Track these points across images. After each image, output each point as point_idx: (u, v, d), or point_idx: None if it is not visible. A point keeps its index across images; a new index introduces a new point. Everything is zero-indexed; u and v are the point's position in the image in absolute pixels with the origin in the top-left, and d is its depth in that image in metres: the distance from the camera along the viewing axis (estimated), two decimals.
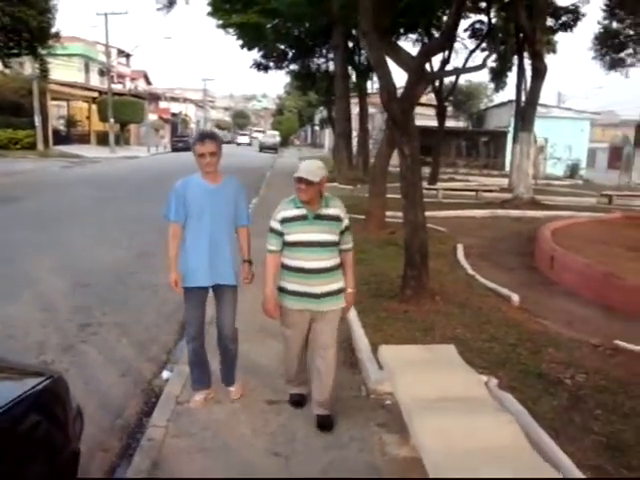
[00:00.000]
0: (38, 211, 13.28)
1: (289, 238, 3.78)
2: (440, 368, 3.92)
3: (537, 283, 8.12)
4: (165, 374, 5.00)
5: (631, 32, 26.88)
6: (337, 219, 3.82)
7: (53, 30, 24.13)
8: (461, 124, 48.16)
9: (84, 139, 45.28)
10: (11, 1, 20.73)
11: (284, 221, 3.78)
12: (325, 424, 4.00)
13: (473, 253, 9.90)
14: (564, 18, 21.59)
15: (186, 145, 52.74)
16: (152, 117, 58.31)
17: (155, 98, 64.83)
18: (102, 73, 53.38)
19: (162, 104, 68.01)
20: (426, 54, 6.87)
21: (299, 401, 4.26)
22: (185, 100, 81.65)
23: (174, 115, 70.20)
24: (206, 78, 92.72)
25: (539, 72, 16.35)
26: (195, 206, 4.00)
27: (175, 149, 51.25)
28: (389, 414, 4.16)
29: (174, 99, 76.88)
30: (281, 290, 3.91)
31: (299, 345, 4.04)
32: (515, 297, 6.90)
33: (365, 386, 4.62)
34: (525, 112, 17.81)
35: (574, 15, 21.52)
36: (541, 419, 3.87)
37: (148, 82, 72.65)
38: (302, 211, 3.75)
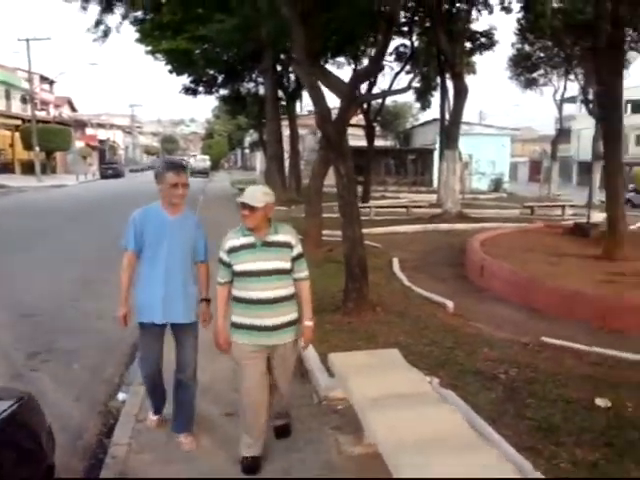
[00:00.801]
0: None
1: (237, 268, 3.61)
2: (387, 370, 4.24)
3: (469, 291, 8.63)
4: (121, 396, 5.10)
5: (541, 54, 28.68)
6: (287, 246, 3.65)
7: None
8: (389, 143, 49.43)
9: (8, 168, 43.85)
10: None
11: (231, 251, 3.62)
12: (284, 431, 4.07)
13: (408, 266, 10.36)
14: (482, 40, 22.77)
15: (115, 172, 52.18)
16: (79, 144, 57.25)
17: (81, 125, 63.63)
18: (24, 100, 52.00)
19: (89, 131, 66.77)
20: (356, 80, 7.26)
21: (253, 467, 3.70)
22: (112, 126, 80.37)
23: (101, 142, 69.08)
24: (133, 104, 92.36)
25: (460, 92, 17.25)
26: (153, 237, 3.83)
27: (104, 176, 50.48)
28: (342, 418, 4.40)
29: (101, 125, 75.54)
30: (233, 325, 3.69)
31: (259, 385, 3.67)
32: (450, 304, 7.37)
33: (317, 394, 4.85)
34: (449, 131, 18.70)
35: (489, 39, 22.76)
36: (480, 410, 4.22)
37: (73, 109, 71.03)
38: (250, 239, 3.60)
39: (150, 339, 3.92)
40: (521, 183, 55.56)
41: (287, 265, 3.64)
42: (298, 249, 3.72)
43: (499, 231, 13.33)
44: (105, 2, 14.40)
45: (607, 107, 9.84)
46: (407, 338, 5.97)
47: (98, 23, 15.28)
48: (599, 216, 18.17)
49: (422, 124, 47.06)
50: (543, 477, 3.37)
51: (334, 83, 8.34)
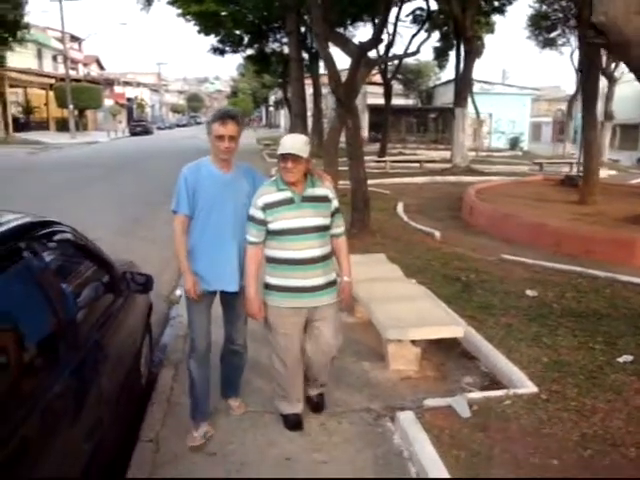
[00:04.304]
0: (28, 191, 14.74)
1: (274, 226, 3.32)
2: (372, 264, 5.97)
3: (459, 227, 10.27)
4: (178, 291, 6.86)
5: (559, 15, 29.38)
6: (326, 199, 3.42)
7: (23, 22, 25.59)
8: (411, 102, 50.10)
9: (43, 126, 45.85)
10: None
11: (267, 207, 3.31)
12: (320, 405, 3.90)
13: (411, 209, 11.98)
14: (496, 3, 23.71)
15: (144, 129, 54.07)
16: (108, 102, 58.88)
17: (110, 83, 65.17)
18: (55, 59, 53.75)
19: (117, 89, 68.30)
20: (362, 49, 8.79)
21: (297, 422, 3.69)
22: (139, 84, 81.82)
23: (129, 100, 70.73)
24: (160, 62, 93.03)
25: (470, 54, 18.50)
26: (207, 198, 3.41)
27: (134, 133, 52.47)
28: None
29: (128, 84, 77.01)
30: (267, 287, 3.45)
31: (295, 350, 3.51)
32: (437, 233, 9.04)
33: None
34: (459, 89, 20.01)
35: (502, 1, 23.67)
36: (441, 296, 5.85)
37: (101, 67, 72.64)
38: (287, 194, 3.32)
39: (200, 310, 3.54)
40: (545, 143, 55.99)
41: (327, 221, 3.42)
42: (335, 203, 3.50)
43: (498, 182, 14.84)
44: None
45: (586, 69, 11.20)
46: (397, 254, 7.59)
47: None
48: (602, 173, 19.46)
49: (444, 83, 47.40)
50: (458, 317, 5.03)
51: (350, 49, 9.83)
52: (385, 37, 21.57)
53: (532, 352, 4.64)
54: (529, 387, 3.97)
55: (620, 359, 4.46)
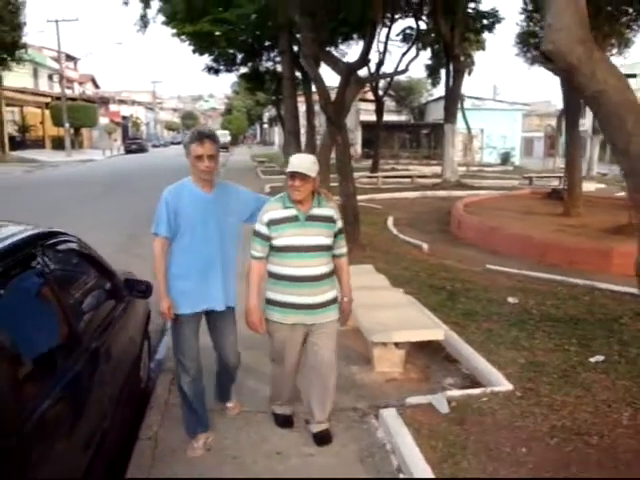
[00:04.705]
0: (27, 208, 14.98)
1: (278, 242, 3.39)
2: (359, 274, 6.21)
3: (447, 240, 10.58)
4: None
5: None
6: (330, 220, 3.47)
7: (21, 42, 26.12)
8: (404, 118, 50.67)
9: (38, 144, 46.09)
10: None
11: (272, 223, 3.38)
12: (326, 438, 3.75)
13: (401, 223, 12.31)
14: (485, 21, 24.19)
15: (139, 147, 54.49)
16: (104, 120, 59.35)
17: (105, 102, 65.61)
18: (51, 78, 54.24)
19: (112, 107, 68.77)
20: (350, 70, 9.13)
21: (287, 421, 3.90)
22: (134, 103, 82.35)
23: (124, 118, 71.19)
24: (155, 80, 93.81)
25: (458, 72, 18.94)
26: (189, 219, 3.42)
27: (129, 151, 52.86)
28: None
29: (123, 102, 77.48)
30: (269, 302, 3.53)
31: (293, 363, 3.65)
32: (425, 245, 9.34)
33: None
34: (448, 106, 20.44)
35: (494, 18, 24.16)
36: (428, 306, 6.12)
37: (96, 86, 73.21)
38: (292, 212, 3.38)
39: (189, 332, 3.55)
40: (537, 157, 56.55)
41: (329, 241, 3.46)
42: (339, 224, 3.55)
43: (486, 196, 15.19)
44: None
45: (567, 89, 11.58)
46: (386, 265, 7.88)
47: (142, 17, 17.41)
48: (590, 186, 19.80)
49: (436, 99, 47.88)
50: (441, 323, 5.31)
51: (340, 67, 10.17)
52: (376, 55, 22.10)
53: (510, 354, 4.90)
54: (505, 385, 4.23)
55: (592, 359, 4.73)
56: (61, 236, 3.18)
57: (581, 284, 7.06)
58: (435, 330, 4.77)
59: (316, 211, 3.43)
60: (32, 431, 2.20)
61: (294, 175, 3.28)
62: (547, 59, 2.67)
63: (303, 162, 3.32)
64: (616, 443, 3.39)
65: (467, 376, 4.74)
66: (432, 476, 3.13)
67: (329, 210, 3.49)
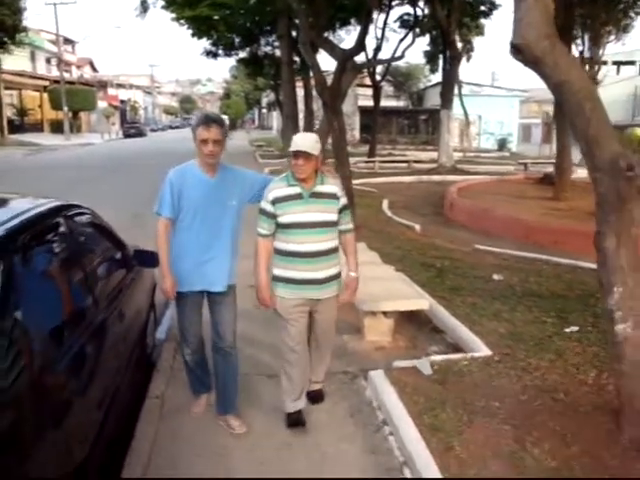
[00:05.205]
0: (34, 189, 15.27)
1: (283, 219, 3.47)
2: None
3: (439, 222, 10.95)
4: None
5: None
6: (334, 197, 3.55)
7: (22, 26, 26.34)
8: (402, 103, 50.79)
9: (37, 128, 46.21)
10: None
11: (276, 201, 3.47)
12: (318, 396, 4.06)
13: (396, 206, 12.64)
14: (482, 7, 24.40)
15: (137, 131, 54.61)
16: (102, 104, 59.33)
17: (103, 85, 65.50)
18: (49, 61, 54.26)
19: (110, 91, 68.69)
20: (346, 56, 9.41)
21: (299, 420, 3.79)
22: (132, 87, 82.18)
23: (123, 102, 71.15)
24: (153, 64, 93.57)
25: (454, 59, 19.20)
26: (191, 201, 3.49)
27: (127, 135, 52.99)
28: None
29: (121, 86, 77.32)
30: (275, 279, 3.61)
31: (302, 337, 3.69)
32: (417, 226, 9.70)
33: None
34: (444, 92, 20.71)
35: (490, 4, 24.37)
36: (417, 282, 6.47)
37: (94, 69, 73.14)
38: (296, 189, 3.47)
39: (191, 309, 3.68)
40: (534, 144, 56.71)
41: (334, 217, 3.56)
42: (344, 200, 3.64)
43: (479, 180, 15.52)
44: None
45: None
46: (379, 245, 8.18)
47: (143, 3, 17.66)
48: (584, 172, 20.13)
49: (434, 85, 48.01)
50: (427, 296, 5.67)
51: (337, 53, 10.44)
52: (373, 41, 22.30)
53: (492, 325, 5.26)
54: (484, 351, 4.60)
55: (567, 329, 5.09)
56: (79, 208, 3.50)
57: (564, 263, 7.42)
58: (420, 300, 5.14)
59: (319, 188, 3.50)
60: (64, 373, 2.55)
61: (297, 154, 3.35)
62: (517, 51, 2.99)
63: (306, 141, 3.38)
64: (579, 398, 3.75)
65: (451, 345, 5.10)
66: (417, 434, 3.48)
67: (332, 187, 3.56)
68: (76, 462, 2.46)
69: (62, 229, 2.99)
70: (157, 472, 3.32)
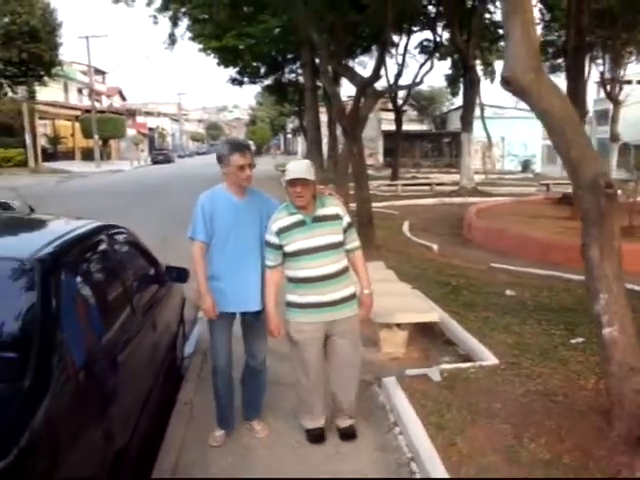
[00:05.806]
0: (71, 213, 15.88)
1: (289, 248, 3.52)
2: (372, 271, 6.88)
3: (458, 242, 11.25)
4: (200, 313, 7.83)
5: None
6: (337, 217, 3.58)
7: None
8: (425, 127, 51.26)
9: (69, 155, 47.59)
10: (25, 39, 24.04)
11: (280, 232, 3.52)
12: (350, 434, 3.91)
13: (416, 227, 12.98)
14: (500, 31, 24.81)
15: (165, 157, 55.91)
16: (131, 132, 60.92)
17: (132, 114, 67.33)
18: (80, 91, 56.06)
19: (139, 119, 70.52)
20: (363, 86, 9.83)
21: (320, 435, 3.86)
22: (160, 114, 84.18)
23: (151, 129, 72.95)
24: (180, 92, 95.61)
25: (473, 83, 19.60)
26: (224, 224, 3.63)
27: (155, 162, 54.31)
28: None
29: (149, 114, 79.32)
30: (289, 305, 3.64)
31: (316, 363, 3.70)
32: (435, 246, 10.01)
33: None
34: (464, 116, 21.09)
35: None
36: (432, 298, 6.77)
37: (123, 98, 75.11)
38: (298, 217, 3.51)
39: (222, 329, 3.77)
40: (559, 165, 56.41)
41: (340, 237, 3.57)
42: (347, 219, 3.66)
43: (498, 201, 15.76)
44: (174, 20, 17.50)
45: (573, 96, 12.18)
46: (397, 264, 8.50)
47: (171, 35, 18.52)
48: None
49: (457, 108, 48.41)
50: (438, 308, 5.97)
51: (357, 80, 10.88)
52: (395, 67, 22.87)
53: (501, 337, 5.54)
54: (492, 360, 4.88)
55: (573, 340, 5.35)
56: (118, 228, 3.93)
57: (575, 279, 7.64)
58: (431, 313, 5.46)
59: (321, 211, 3.54)
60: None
61: (295, 182, 3.41)
62: (506, 83, 3.36)
63: (301, 168, 3.45)
64: (577, 401, 4.03)
65: (462, 356, 5.38)
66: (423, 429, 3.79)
67: (333, 208, 3.59)
68: (119, 445, 2.83)
69: (104, 246, 3.40)
70: (185, 471, 3.63)
